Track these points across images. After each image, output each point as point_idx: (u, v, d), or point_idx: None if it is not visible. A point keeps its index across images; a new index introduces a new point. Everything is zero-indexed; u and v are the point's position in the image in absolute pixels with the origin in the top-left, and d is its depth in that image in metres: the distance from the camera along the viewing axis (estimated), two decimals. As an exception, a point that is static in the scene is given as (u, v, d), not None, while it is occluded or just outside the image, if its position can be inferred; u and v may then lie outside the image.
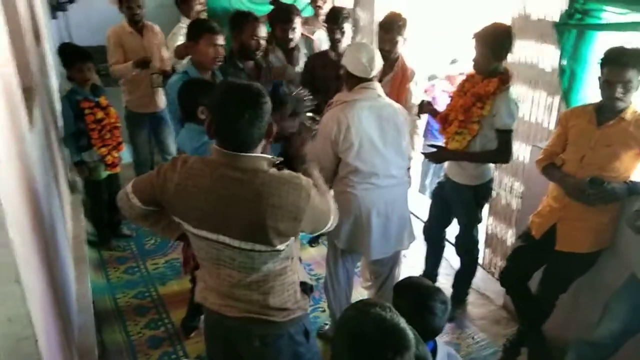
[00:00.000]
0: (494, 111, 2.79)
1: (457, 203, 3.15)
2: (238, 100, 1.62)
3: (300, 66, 3.70)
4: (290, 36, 3.55)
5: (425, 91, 4.63)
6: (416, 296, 1.80)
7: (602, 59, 2.34)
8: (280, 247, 1.71)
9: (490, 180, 3.09)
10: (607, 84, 2.33)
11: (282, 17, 3.55)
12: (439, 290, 1.85)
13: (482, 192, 3.06)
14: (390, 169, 2.64)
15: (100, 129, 3.57)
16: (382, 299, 2.94)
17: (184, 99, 2.54)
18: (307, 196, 1.68)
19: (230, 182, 1.65)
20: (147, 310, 3.38)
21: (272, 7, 4.11)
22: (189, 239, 1.93)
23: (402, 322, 1.31)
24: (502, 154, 2.88)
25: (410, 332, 1.30)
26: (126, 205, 1.82)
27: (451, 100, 3.05)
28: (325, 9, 4.33)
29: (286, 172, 1.73)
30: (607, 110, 2.43)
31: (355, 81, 2.57)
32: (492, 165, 3.07)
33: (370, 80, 2.57)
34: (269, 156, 1.73)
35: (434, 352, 1.74)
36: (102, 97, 3.61)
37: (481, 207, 3.15)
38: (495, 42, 2.73)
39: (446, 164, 3.19)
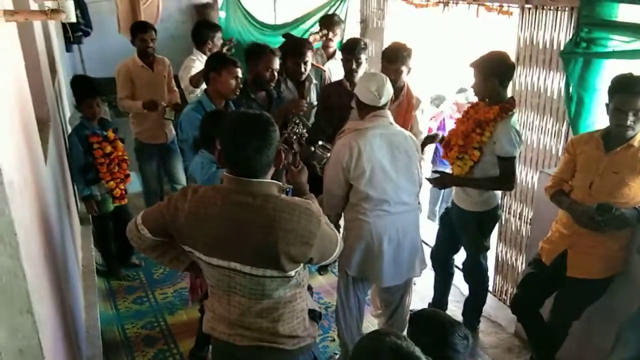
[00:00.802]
0: (494, 138, 2.81)
1: (462, 229, 3.15)
2: (246, 128, 1.67)
3: (312, 97, 3.76)
4: (302, 69, 3.62)
5: (432, 118, 4.66)
6: (436, 332, 1.73)
7: (612, 86, 2.35)
8: (291, 272, 1.72)
9: (497, 207, 3.08)
10: (617, 112, 2.33)
11: (294, 50, 3.62)
12: (459, 324, 1.79)
13: (487, 219, 3.06)
14: (402, 196, 2.65)
15: (108, 162, 3.61)
16: (393, 328, 2.92)
17: (205, 128, 2.63)
18: (317, 222, 1.71)
19: (241, 208, 1.67)
20: (156, 340, 3.36)
21: (282, 38, 4.19)
22: (196, 270, 1.94)
23: (418, 351, 1.32)
24: (505, 181, 2.89)
25: None
26: (136, 236, 1.84)
27: (455, 126, 3.09)
28: (335, 41, 4.41)
29: (297, 198, 1.77)
30: (615, 137, 2.44)
31: (367, 109, 2.61)
32: (498, 192, 3.07)
33: (381, 108, 2.61)
34: (279, 182, 1.76)
35: None
36: (110, 130, 3.65)
37: (487, 234, 3.13)
38: (491, 69, 2.78)
39: (453, 190, 3.20)
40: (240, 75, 3.03)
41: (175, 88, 4.45)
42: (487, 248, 3.19)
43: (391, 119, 2.67)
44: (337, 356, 3.13)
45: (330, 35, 4.38)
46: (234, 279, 1.74)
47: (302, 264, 1.77)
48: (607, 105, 2.41)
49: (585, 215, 2.44)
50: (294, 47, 3.65)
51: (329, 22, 4.45)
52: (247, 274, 1.71)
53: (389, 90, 2.62)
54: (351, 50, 3.50)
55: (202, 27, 4.37)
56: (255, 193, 1.68)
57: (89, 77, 4.14)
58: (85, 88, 3.62)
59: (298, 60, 3.58)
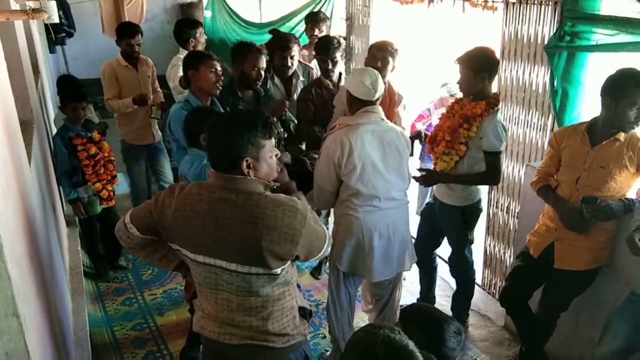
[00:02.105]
0: (481, 133, 2.83)
1: (446, 224, 3.17)
2: (229, 122, 1.68)
3: (296, 97, 3.75)
4: (289, 64, 3.60)
5: (421, 117, 4.66)
6: (429, 329, 1.72)
7: (626, 81, 2.28)
8: (277, 270, 1.72)
9: (479, 201, 3.10)
10: (633, 105, 2.28)
11: (280, 45, 3.61)
12: (452, 320, 1.78)
13: (470, 213, 3.07)
14: (392, 192, 2.66)
15: (94, 164, 3.56)
16: (384, 322, 2.93)
17: (190, 126, 2.61)
18: (303, 218, 1.70)
19: (225, 205, 1.67)
20: (145, 342, 3.33)
21: (267, 35, 4.19)
22: (184, 270, 1.93)
23: (411, 345, 1.34)
24: (491, 175, 2.91)
25: (419, 355, 1.31)
26: (124, 235, 1.83)
27: (440, 122, 3.10)
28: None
29: (282, 195, 1.76)
30: (602, 130, 2.44)
31: (359, 105, 2.61)
32: (481, 186, 3.09)
33: (373, 103, 2.61)
34: (265, 180, 1.75)
35: None
36: (95, 131, 3.60)
37: (472, 227, 3.15)
38: (476, 64, 2.80)
39: (435, 185, 3.21)
40: (219, 67, 3.01)
41: (159, 89, 4.43)
42: (472, 241, 3.21)
43: (382, 114, 2.68)
44: (328, 353, 3.13)
45: (316, 32, 4.38)
46: (221, 276, 1.73)
47: (289, 262, 1.76)
48: (604, 100, 2.36)
49: (572, 215, 2.46)
50: (280, 42, 3.64)
51: (314, 19, 4.44)
52: (233, 272, 1.71)
53: (381, 85, 2.63)
54: (325, 50, 3.47)
55: (181, 26, 4.33)
56: (238, 190, 1.68)
57: (75, 79, 4.09)
58: (71, 90, 3.57)
59: (285, 54, 3.57)
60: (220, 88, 3.04)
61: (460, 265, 3.25)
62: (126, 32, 4.11)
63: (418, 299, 3.59)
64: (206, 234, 1.69)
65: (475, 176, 2.93)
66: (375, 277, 2.74)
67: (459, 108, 2.96)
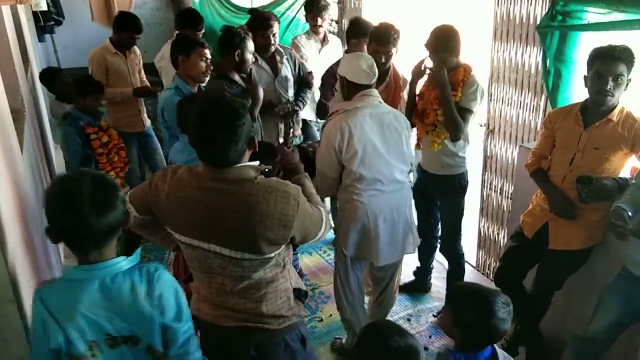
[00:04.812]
0: (462, 95, 2.90)
1: (445, 196, 3.19)
2: (211, 123, 1.63)
3: (285, 72, 3.71)
4: (272, 41, 3.59)
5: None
6: (479, 304, 1.71)
7: (592, 54, 2.35)
8: (270, 255, 1.72)
9: (467, 171, 3.17)
10: (597, 77, 2.33)
11: (261, 23, 3.59)
12: (498, 292, 1.78)
13: (464, 180, 3.14)
14: (395, 174, 2.67)
15: (107, 152, 3.52)
16: (382, 305, 2.96)
17: (183, 112, 2.58)
18: (295, 203, 1.69)
19: (216, 194, 1.66)
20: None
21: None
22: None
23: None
24: (459, 127, 2.90)
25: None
26: None
27: (424, 96, 3.04)
28: (325, 26, 4.30)
29: (274, 179, 1.75)
30: (593, 110, 2.44)
31: (356, 90, 2.60)
32: (466, 155, 3.13)
33: (369, 87, 2.61)
34: (256, 164, 1.74)
35: (494, 357, 1.73)
36: (102, 119, 3.56)
37: (464, 195, 3.21)
38: (446, 46, 2.86)
39: (420, 158, 3.23)
40: (209, 56, 2.99)
41: (145, 79, 4.39)
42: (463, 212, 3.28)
43: (379, 97, 2.68)
44: (339, 341, 3.13)
45: (319, 21, 4.21)
46: (214, 260, 1.74)
47: (283, 245, 1.76)
48: (585, 77, 2.41)
49: (561, 203, 2.50)
50: (261, 20, 3.61)
51: (315, 8, 4.19)
52: (226, 257, 1.71)
53: (376, 68, 2.64)
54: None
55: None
56: (230, 179, 1.66)
57: (90, 76, 3.97)
58: (92, 85, 3.49)
59: (267, 33, 3.55)
60: (208, 77, 3.02)
61: (456, 240, 3.28)
62: (131, 26, 4.03)
63: (414, 272, 3.66)
64: (198, 220, 1.69)
65: (455, 120, 2.88)
66: (382, 260, 2.75)
67: None
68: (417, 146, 3.16)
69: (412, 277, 3.69)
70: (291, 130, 3.45)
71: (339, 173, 2.65)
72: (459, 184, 3.12)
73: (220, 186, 1.66)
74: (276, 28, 3.60)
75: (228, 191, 1.65)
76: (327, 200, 3.77)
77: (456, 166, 3.07)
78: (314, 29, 4.27)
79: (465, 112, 2.90)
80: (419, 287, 3.67)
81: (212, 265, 1.75)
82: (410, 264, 3.66)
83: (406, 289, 3.61)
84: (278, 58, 3.71)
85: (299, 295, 1.93)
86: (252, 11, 4.04)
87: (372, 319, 2.98)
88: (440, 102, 2.90)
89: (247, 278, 1.75)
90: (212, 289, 1.81)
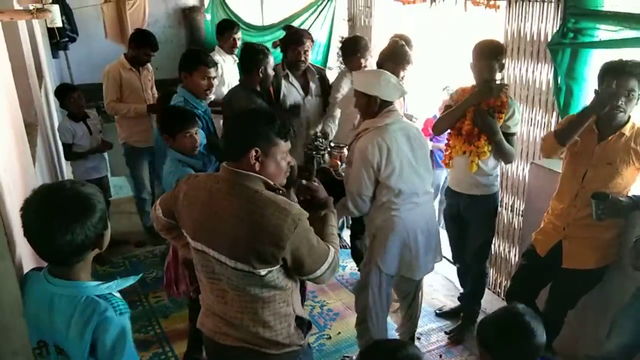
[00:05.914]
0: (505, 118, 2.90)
1: (478, 217, 3.11)
2: (249, 113, 1.80)
3: (313, 94, 3.77)
4: (303, 58, 3.67)
5: (429, 123, 4.64)
6: (518, 332, 1.66)
7: (603, 69, 2.35)
8: (261, 271, 1.66)
9: (499, 190, 3.17)
10: None
11: (295, 39, 3.69)
12: (520, 309, 1.71)
13: (497, 200, 3.15)
14: (426, 186, 2.71)
15: None
16: (412, 318, 2.95)
17: (168, 124, 2.64)
18: (293, 223, 1.63)
19: (221, 196, 1.69)
20: (151, 344, 3.33)
21: (268, 38, 4.21)
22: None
23: None
24: (511, 153, 2.97)
25: None
26: (154, 216, 1.97)
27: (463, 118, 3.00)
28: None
29: (280, 196, 1.71)
30: (605, 125, 2.43)
31: (384, 106, 2.60)
32: (498, 175, 3.12)
33: (392, 103, 2.63)
34: (266, 179, 1.71)
35: None
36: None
37: (496, 215, 3.22)
38: (493, 53, 2.84)
39: (450, 180, 3.22)
40: (213, 75, 3.02)
41: (156, 94, 4.41)
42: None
43: (401, 112, 2.71)
44: (351, 358, 3.07)
45: (363, 62, 3.69)
46: (215, 266, 1.74)
47: (276, 267, 1.68)
48: (596, 91, 2.39)
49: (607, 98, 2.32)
50: (295, 36, 3.72)
51: (360, 47, 3.70)
52: (223, 264, 1.71)
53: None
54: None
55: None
56: (237, 183, 1.68)
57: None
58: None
59: (299, 49, 3.64)
60: (208, 95, 3.04)
61: (484, 260, 3.23)
62: (148, 43, 4.11)
63: (459, 307, 3.54)
64: (203, 221, 1.71)
65: (505, 147, 2.91)
66: (421, 273, 2.77)
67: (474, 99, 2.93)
68: (447, 165, 3.14)
69: (457, 303, 3.57)
70: (319, 164, 3.23)
71: (373, 191, 2.63)
72: (492, 204, 3.11)
73: (227, 189, 1.68)
74: (308, 46, 3.68)
75: (232, 195, 1.67)
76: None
77: (490, 185, 3.05)
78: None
79: (510, 137, 2.93)
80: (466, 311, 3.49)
81: (215, 271, 1.76)
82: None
83: (452, 314, 3.54)
84: (309, 76, 3.76)
85: (301, 324, 1.87)
86: (287, 28, 4.14)
87: (403, 336, 2.95)
88: (489, 137, 2.89)
89: (241, 291, 1.72)
90: (213, 296, 1.82)
